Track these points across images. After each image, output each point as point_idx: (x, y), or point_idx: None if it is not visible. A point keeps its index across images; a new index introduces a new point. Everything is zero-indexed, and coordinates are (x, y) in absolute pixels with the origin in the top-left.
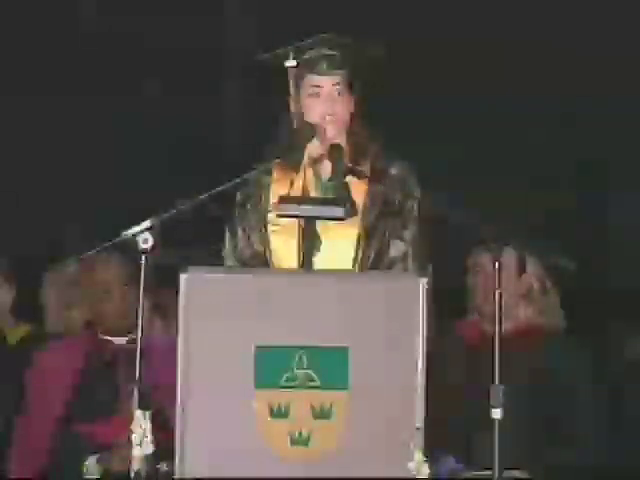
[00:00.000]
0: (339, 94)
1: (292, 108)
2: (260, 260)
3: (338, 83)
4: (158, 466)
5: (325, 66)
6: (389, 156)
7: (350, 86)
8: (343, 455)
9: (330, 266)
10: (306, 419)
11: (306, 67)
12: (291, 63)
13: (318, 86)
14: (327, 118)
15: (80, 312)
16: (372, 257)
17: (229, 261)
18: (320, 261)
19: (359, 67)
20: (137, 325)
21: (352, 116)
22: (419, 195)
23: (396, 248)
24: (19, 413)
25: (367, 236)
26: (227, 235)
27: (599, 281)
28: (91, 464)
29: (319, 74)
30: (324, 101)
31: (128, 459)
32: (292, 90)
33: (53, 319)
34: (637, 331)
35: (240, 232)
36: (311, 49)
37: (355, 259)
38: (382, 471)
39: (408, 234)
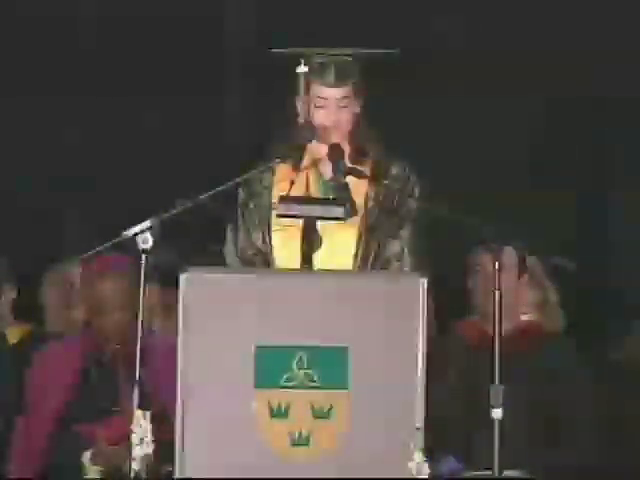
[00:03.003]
0: (345, 105)
1: (299, 107)
2: (261, 259)
3: (345, 96)
4: (162, 471)
5: (333, 78)
6: (389, 155)
7: (357, 92)
8: (343, 455)
9: (330, 266)
10: (306, 419)
11: (314, 76)
12: (302, 69)
13: (324, 98)
14: (331, 125)
15: (80, 312)
16: (372, 257)
17: (230, 260)
18: (320, 261)
19: (366, 71)
20: (137, 325)
21: (354, 116)
22: (418, 195)
23: (392, 247)
24: (19, 413)
25: (367, 236)
26: (229, 234)
27: (599, 281)
28: (85, 462)
29: (326, 86)
30: (329, 112)
31: (128, 459)
32: (302, 91)
33: (53, 319)
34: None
35: (242, 231)
36: (321, 55)
37: (355, 259)
38: (382, 471)
39: (404, 233)
